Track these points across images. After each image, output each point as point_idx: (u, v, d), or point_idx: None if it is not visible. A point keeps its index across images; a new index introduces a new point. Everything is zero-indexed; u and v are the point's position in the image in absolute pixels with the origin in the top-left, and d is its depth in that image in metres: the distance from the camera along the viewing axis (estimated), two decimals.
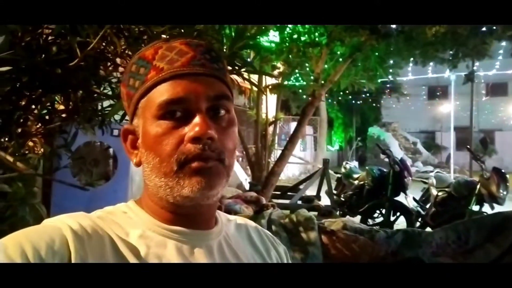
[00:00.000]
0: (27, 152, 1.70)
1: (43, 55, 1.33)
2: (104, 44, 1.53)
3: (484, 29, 4.99)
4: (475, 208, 4.79)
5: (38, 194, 2.15)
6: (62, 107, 1.64)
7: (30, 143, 1.73)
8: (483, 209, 4.81)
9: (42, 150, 1.71)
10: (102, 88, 1.69)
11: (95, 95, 1.64)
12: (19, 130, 1.50)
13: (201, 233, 0.61)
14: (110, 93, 1.70)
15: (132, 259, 0.53)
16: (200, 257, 0.58)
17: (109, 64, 1.68)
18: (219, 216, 0.67)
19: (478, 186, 4.77)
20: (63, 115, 1.62)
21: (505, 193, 4.63)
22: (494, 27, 4.81)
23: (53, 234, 0.50)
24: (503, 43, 8.02)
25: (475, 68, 7.47)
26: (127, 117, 1.70)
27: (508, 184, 4.69)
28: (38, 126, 1.61)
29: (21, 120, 1.50)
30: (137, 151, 0.60)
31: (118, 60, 1.66)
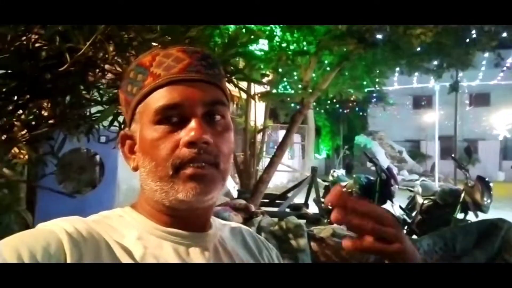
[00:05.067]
0: (11, 158, 1.67)
1: (32, 60, 1.32)
2: (93, 50, 1.52)
3: (467, 40, 5.12)
4: (460, 216, 4.86)
5: (22, 201, 2.11)
6: (48, 113, 1.62)
7: (16, 150, 1.70)
8: (468, 217, 4.88)
9: (27, 156, 1.68)
10: (90, 94, 1.68)
11: (84, 101, 1.62)
12: (4, 136, 1.47)
13: (198, 235, 0.61)
14: (98, 99, 1.68)
15: (128, 262, 0.53)
16: (196, 258, 0.59)
17: (97, 70, 1.66)
18: (213, 220, 0.67)
19: (462, 194, 4.84)
20: (50, 121, 1.59)
21: (489, 201, 4.71)
22: (478, 38, 4.94)
23: (49, 237, 0.50)
24: (486, 54, 8.23)
25: (459, 78, 7.65)
26: (115, 123, 1.68)
27: (492, 192, 4.77)
28: (24, 132, 1.58)
29: (7, 126, 1.47)
30: (135, 155, 0.61)
31: (106, 66, 1.65)
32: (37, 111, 1.56)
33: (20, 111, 1.47)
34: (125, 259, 0.53)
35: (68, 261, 0.49)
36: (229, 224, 0.73)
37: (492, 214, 4.42)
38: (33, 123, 1.56)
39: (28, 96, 1.42)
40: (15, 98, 1.41)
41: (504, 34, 4.69)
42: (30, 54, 1.31)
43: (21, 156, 1.73)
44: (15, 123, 1.49)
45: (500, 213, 5.40)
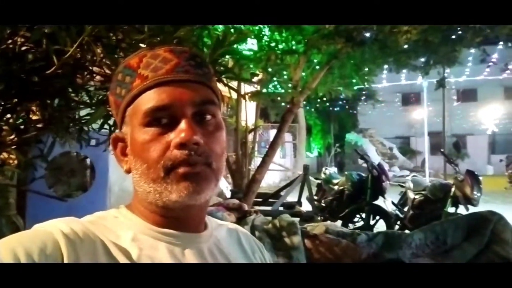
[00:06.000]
0: (1, 163, 1.65)
1: (19, 63, 1.30)
2: (80, 52, 1.51)
3: (453, 37, 5.19)
4: (451, 209, 4.92)
5: (13, 205, 2.08)
6: (36, 116, 1.60)
7: (5, 154, 1.68)
8: (458, 211, 4.94)
9: (16, 161, 1.66)
10: (79, 97, 1.66)
11: (73, 103, 1.61)
12: None
13: (192, 235, 0.61)
14: (87, 101, 1.67)
15: (124, 262, 0.53)
16: (191, 259, 0.58)
17: (86, 72, 1.65)
18: (208, 221, 0.67)
19: (453, 189, 4.90)
20: (39, 125, 1.58)
21: (479, 194, 4.77)
22: (463, 35, 5.01)
23: (45, 238, 0.50)
24: (472, 50, 8.35)
25: (446, 74, 7.75)
26: (105, 126, 1.66)
27: (481, 186, 4.83)
28: (13, 136, 1.56)
29: None
30: (127, 158, 0.61)
31: (94, 68, 1.64)
32: (26, 115, 1.54)
33: (8, 115, 1.45)
34: (121, 259, 0.53)
35: (65, 261, 0.49)
36: (226, 225, 0.73)
37: (482, 207, 4.49)
38: (22, 126, 1.55)
39: (16, 99, 1.41)
40: (3, 101, 1.39)
41: (488, 31, 4.77)
42: (17, 57, 1.29)
43: (11, 162, 1.71)
44: (4, 127, 1.47)
45: (490, 206, 5.49)
